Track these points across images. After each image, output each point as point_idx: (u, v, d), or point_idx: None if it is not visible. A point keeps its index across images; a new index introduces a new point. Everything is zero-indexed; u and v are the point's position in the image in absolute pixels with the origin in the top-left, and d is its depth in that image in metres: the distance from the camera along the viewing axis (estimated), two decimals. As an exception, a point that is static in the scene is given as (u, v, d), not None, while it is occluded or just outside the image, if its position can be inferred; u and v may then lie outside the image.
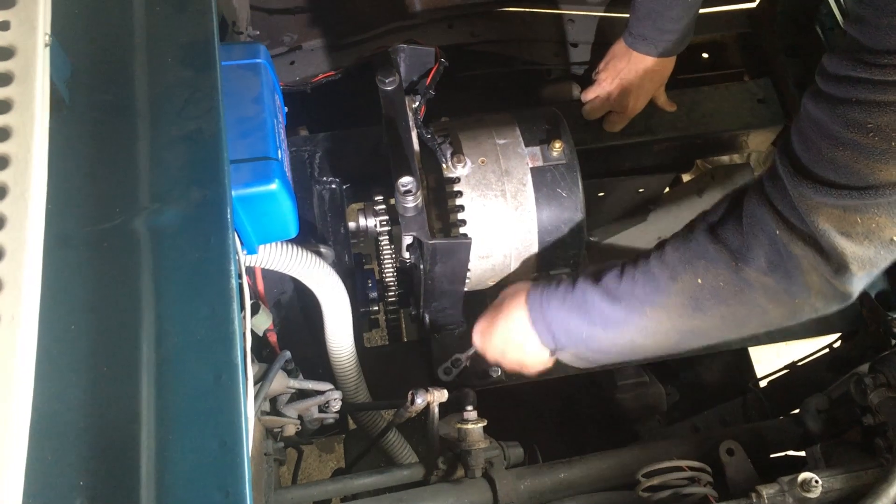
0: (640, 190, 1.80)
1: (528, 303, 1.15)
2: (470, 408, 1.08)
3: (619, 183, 1.75)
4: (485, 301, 1.48)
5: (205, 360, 0.77)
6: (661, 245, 1.07)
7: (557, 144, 1.23)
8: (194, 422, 0.75)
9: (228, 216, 0.83)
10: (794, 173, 0.86)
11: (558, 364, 1.22)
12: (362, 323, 1.55)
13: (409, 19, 1.69)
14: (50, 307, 0.75)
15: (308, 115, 1.57)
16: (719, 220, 1.01)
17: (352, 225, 1.58)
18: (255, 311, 0.96)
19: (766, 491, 0.93)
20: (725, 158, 1.91)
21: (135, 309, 0.80)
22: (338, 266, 1.51)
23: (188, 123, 0.88)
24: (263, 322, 0.99)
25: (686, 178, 1.87)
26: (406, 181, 1.07)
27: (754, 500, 0.94)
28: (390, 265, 1.43)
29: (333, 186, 1.57)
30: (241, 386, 0.76)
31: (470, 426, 1.06)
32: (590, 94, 1.60)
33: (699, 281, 1.01)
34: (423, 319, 1.39)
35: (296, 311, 1.46)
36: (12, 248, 0.71)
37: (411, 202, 1.08)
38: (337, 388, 1.32)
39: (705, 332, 1.06)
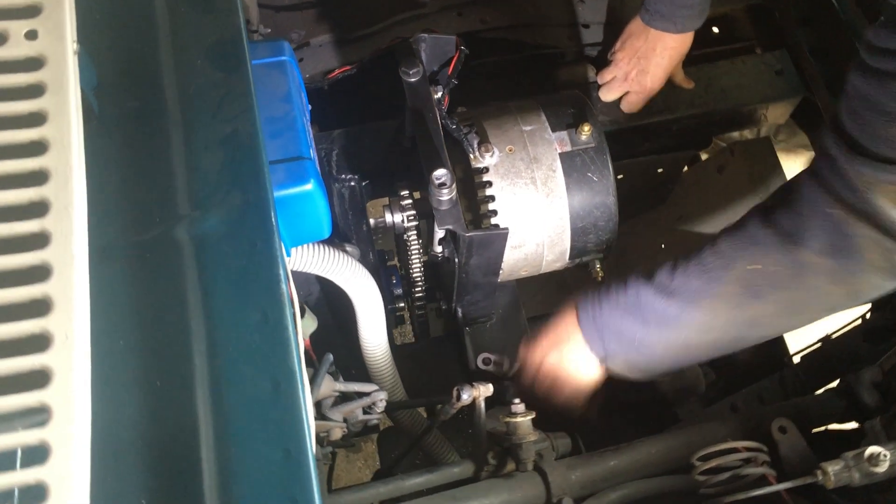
0: (659, 170, 1.78)
1: (579, 308, 1.13)
2: (517, 400, 1.06)
3: (637, 164, 1.73)
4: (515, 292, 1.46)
5: (261, 368, 0.75)
6: (714, 237, 1.05)
7: (586, 128, 1.21)
8: (256, 432, 0.73)
9: (273, 219, 0.81)
10: (849, 151, 0.84)
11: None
12: (389, 320, 1.52)
13: (417, 9, 1.66)
14: (96, 323, 0.73)
15: (321, 112, 1.54)
16: (772, 205, 0.99)
17: (374, 221, 1.56)
18: (301, 312, 0.94)
19: (832, 468, 0.92)
20: (736, 135, 1.89)
21: (184, 320, 0.78)
22: (363, 263, 1.49)
23: (223, 126, 0.85)
24: (309, 326, 0.97)
25: (704, 155, 1.85)
26: (440, 174, 1.05)
27: (820, 478, 0.92)
28: (417, 260, 1.41)
29: (353, 184, 1.54)
30: (300, 393, 0.74)
31: (519, 419, 1.04)
32: (606, 75, 1.57)
33: (755, 267, 0.99)
34: (455, 313, 1.37)
35: (324, 312, 1.44)
36: (60, 265, 0.68)
37: (446, 195, 1.06)
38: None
39: (764, 322, 1.03)
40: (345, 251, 1.32)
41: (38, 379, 0.66)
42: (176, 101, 0.87)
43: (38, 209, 0.70)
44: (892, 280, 0.92)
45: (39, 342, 0.66)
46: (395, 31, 1.63)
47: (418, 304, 1.55)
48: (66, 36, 0.77)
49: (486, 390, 1.07)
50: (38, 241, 0.69)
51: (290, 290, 0.80)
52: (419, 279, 1.47)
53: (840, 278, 0.95)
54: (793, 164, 1.86)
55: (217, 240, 0.80)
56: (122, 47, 0.90)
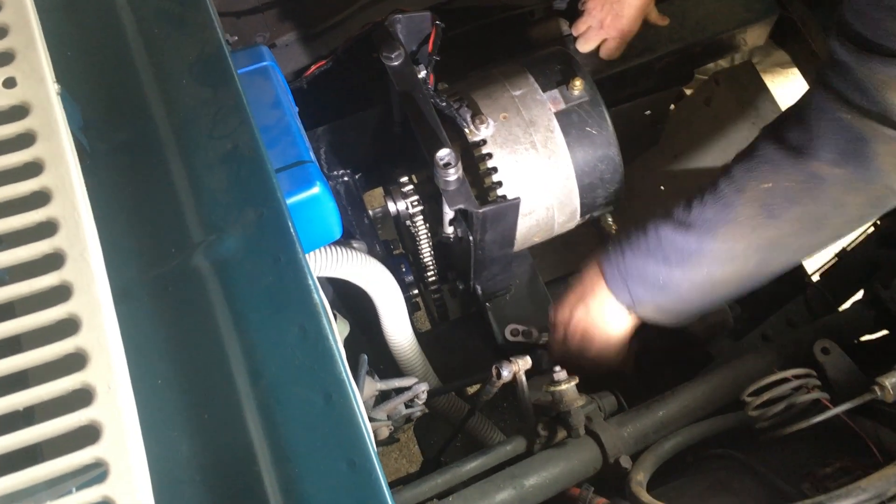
0: (647, 112, 1.76)
1: (602, 260, 1.11)
2: (557, 368, 1.04)
3: (623, 111, 1.71)
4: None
5: (309, 383, 0.73)
6: (727, 165, 1.04)
7: (578, 83, 1.19)
8: (317, 448, 0.71)
9: (292, 229, 0.79)
10: (858, 51, 0.83)
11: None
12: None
13: (380, -9, 1.62)
14: (133, 366, 0.71)
15: (302, 111, 1.51)
16: (780, 122, 0.97)
17: (374, 212, 1.53)
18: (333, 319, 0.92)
19: (888, 381, 0.91)
20: (715, 65, 1.86)
21: (219, 348, 0.75)
22: (371, 255, 1.47)
23: (222, 143, 0.82)
24: (344, 330, 0.95)
25: (689, 91, 1.83)
26: (444, 154, 1.02)
27: (879, 394, 0.91)
28: (427, 245, 1.39)
29: (346, 179, 1.51)
30: (353, 401, 0.72)
31: (564, 386, 1.02)
32: (581, 26, 1.55)
33: (767, 186, 0.97)
34: (473, 290, 1.35)
35: (342, 313, 1.42)
36: (88, 314, 0.66)
37: (453, 174, 1.03)
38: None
39: (784, 243, 1.02)
40: (353, 248, 1.31)
41: (89, 434, 0.63)
42: (168, 127, 0.84)
43: (54, 261, 0.67)
44: None
45: (83, 397, 0.64)
46: (362, 17, 1.59)
47: (433, 287, 1.53)
48: (46, 78, 0.74)
49: (524, 363, 1.06)
50: (61, 293, 0.66)
51: (322, 298, 0.78)
52: (430, 263, 1.45)
53: (856, 187, 0.93)
54: (777, 84, 1.84)
55: (238, 261, 0.78)
56: (101, 80, 0.87)
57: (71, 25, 0.89)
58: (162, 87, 0.85)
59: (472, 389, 1.46)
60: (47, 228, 0.68)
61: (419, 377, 1.28)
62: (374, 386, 0.96)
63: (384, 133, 1.49)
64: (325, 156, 1.51)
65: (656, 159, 1.83)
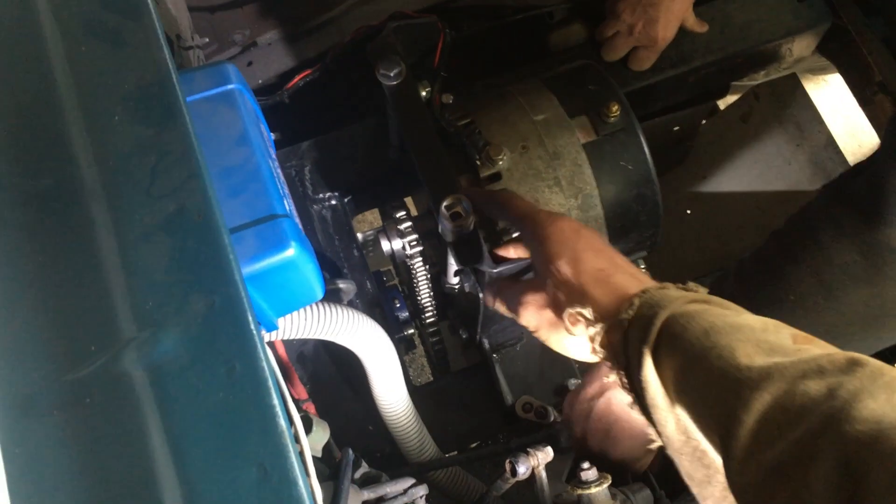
0: (675, 128, 1.57)
1: None
2: (586, 465, 0.85)
3: (650, 127, 1.51)
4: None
5: (270, 546, 0.54)
6: (777, 229, 0.85)
7: (614, 108, 0.99)
8: None
9: (252, 326, 0.59)
10: None
11: None
12: (399, 347, 1.31)
13: (376, -15, 1.41)
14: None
15: (284, 124, 1.31)
16: (845, 179, 0.79)
17: (362, 236, 1.35)
18: (308, 428, 0.73)
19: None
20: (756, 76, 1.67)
21: (150, 489, 0.56)
22: (361, 297, 1.27)
23: (163, 203, 0.62)
24: (321, 438, 0.75)
25: (723, 105, 1.64)
26: (452, 203, 0.82)
27: None
28: (426, 286, 1.19)
29: (334, 202, 1.31)
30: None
31: (594, 489, 0.84)
32: (608, 31, 1.35)
33: (826, 255, 0.79)
34: (480, 343, 1.16)
35: (325, 362, 1.22)
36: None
37: (462, 227, 0.83)
38: (398, 447, 1.10)
39: (844, 332, 0.83)
40: (337, 290, 1.11)
41: None
42: (94, 178, 0.63)
43: None
44: None
45: None
46: (355, 14, 1.39)
47: (431, 330, 1.34)
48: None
49: (545, 456, 0.87)
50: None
51: (295, 419, 0.58)
52: (429, 304, 1.26)
53: None
54: (821, 97, 1.64)
55: (180, 367, 0.58)
56: (11, 112, 0.66)
57: (-26, 37, 0.69)
58: (90, 124, 0.65)
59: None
60: None
61: (413, 447, 1.09)
62: (361, 498, 0.77)
63: (378, 150, 1.30)
64: (310, 175, 1.31)
65: (682, 180, 1.64)
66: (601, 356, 0.73)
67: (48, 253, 0.62)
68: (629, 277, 0.73)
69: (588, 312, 0.72)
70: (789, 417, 0.53)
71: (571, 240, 0.76)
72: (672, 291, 0.69)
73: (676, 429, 0.64)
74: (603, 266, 0.74)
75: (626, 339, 0.68)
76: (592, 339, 0.72)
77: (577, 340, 0.76)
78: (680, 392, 0.63)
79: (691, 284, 0.71)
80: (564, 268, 0.74)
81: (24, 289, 0.61)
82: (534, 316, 0.79)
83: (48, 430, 0.58)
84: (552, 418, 1.06)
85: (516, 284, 0.83)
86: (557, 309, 0.76)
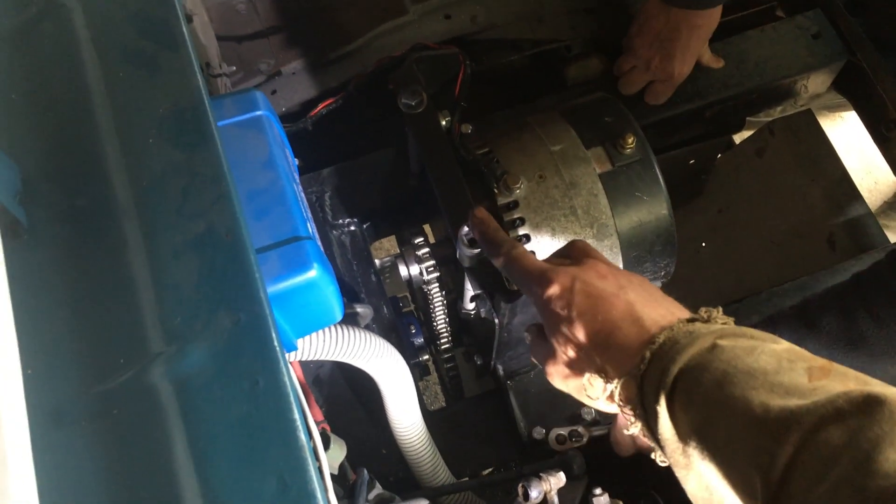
0: (691, 161, 1.58)
1: None
2: (598, 490, 0.86)
3: (665, 160, 1.53)
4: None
5: (288, 559, 0.55)
6: None
7: (630, 140, 1.01)
8: None
9: (276, 343, 0.61)
10: None
11: None
12: (413, 373, 1.33)
13: (398, 17, 1.45)
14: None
15: (306, 150, 1.34)
16: None
17: (380, 262, 1.37)
18: (326, 444, 0.74)
19: None
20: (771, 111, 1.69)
21: (174, 498, 0.58)
22: (378, 322, 1.29)
23: (193, 223, 0.65)
24: (338, 455, 0.77)
25: (738, 139, 1.65)
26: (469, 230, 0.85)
27: None
28: (442, 312, 1.21)
29: (353, 228, 1.34)
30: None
31: (606, 516, 0.85)
32: (625, 65, 1.37)
33: None
34: (495, 369, 1.17)
35: (340, 385, 1.24)
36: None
37: (480, 253, 0.85)
38: (411, 471, 1.11)
39: None
40: (355, 314, 1.13)
41: None
42: (129, 196, 0.66)
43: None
44: None
45: None
46: (377, 45, 1.42)
47: (446, 356, 1.36)
48: (-36, 138, 0.57)
49: (557, 481, 0.88)
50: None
51: (314, 435, 0.60)
52: (444, 330, 1.28)
53: None
54: (837, 133, 1.66)
55: (205, 381, 0.60)
56: (51, 132, 0.70)
57: (19, 62, 0.72)
58: (125, 146, 0.68)
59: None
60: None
61: (426, 471, 1.10)
62: (375, 519, 0.79)
63: (397, 178, 1.32)
64: (330, 201, 1.34)
65: (697, 213, 1.65)
66: (624, 410, 0.70)
67: (82, 268, 0.65)
68: (654, 310, 0.70)
69: (596, 379, 0.70)
70: (812, 472, 0.52)
71: (570, 302, 0.73)
72: (700, 327, 0.66)
73: (698, 485, 0.63)
74: (613, 316, 0.70)
75: (643, 392, 0.66)
76: (611, 398, 0.70)
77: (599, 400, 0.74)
78: (700, 447, 0.61)
79: (715, 313, 0.69)
80: (569, 335, 0.72)
81: (58, 302, 0.63)
82: (561, 384, 0.77)
83: (77, 439, 0.60)
84: (566, 444, 1.06)
85: (545, 345, 0.78)
86: (576, 373, 0.74)
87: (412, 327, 1.37)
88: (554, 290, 0.74)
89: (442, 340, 1.31)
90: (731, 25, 1.50)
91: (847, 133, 2.00)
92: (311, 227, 0.81)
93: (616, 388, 0.69)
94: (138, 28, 0.71)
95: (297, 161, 0.95)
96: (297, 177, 0.90)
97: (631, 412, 0.69)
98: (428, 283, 1.12)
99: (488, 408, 1.24)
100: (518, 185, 1.01)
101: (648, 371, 0.65)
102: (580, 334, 0.72)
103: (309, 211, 0.88)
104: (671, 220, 1.05)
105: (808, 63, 1.42)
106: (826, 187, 1.48)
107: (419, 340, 1.35)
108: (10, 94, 0.71)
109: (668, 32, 1.30)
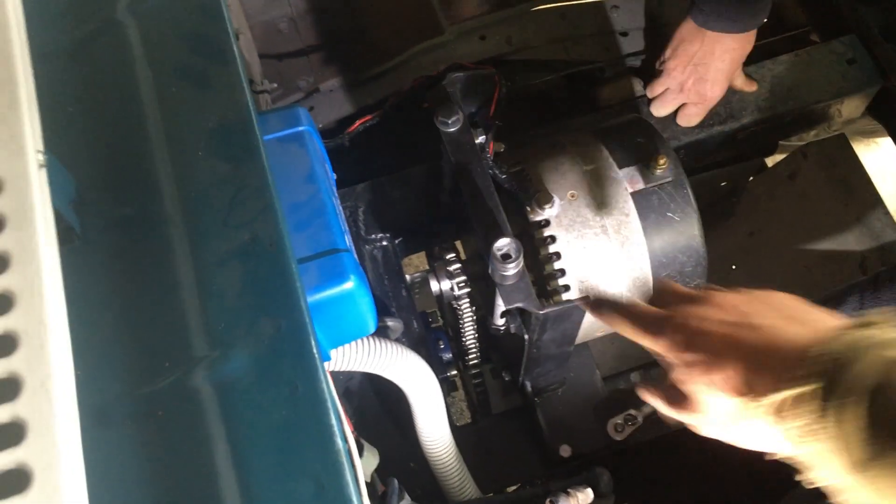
0: (723, 184, 1.59)
1: None
2: (625, 508, 0.87)
3: (698, 181, 1.53)
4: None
5: (323, 559, 0.57)
6: None
7: (662, 160, 1.02)
8: None
9: (314, 350, 0.63)
10: None
11: None
12: (441, 388, 1.34)
13: (434, 37, 1.48)
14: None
15: (341, 166, 1.37)
16: None
17: (410, 277, 1.38)
18: (360, 451, 0.76)
19: None
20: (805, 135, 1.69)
21: (214, 498, 0.59)
22: (407, 336, 1.31)
23: (238, 232, 0.67)
24: (371, 463, 0.79)
25: (770, 162, 1.65)
26: (503, 244, 0.86)
27: None
28: (471, 328, 1.22)
29: (385, 243, 1.36)
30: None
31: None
32: (658, 88, 1.38)
33: None
34: (522, 386, 1.18)
35: (370, 398, 1.26)
36: (41, 468, 0.50)
37: (512, 269, 0.87)
38: (439, 484, 1.12)
39: None
40: (385, 327, 1.15)
41: None
42: (178, 206, 0.69)
43: (5, 391, 0.52)
44: None
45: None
46: (413, 64, 1.46)
47: (473, 372, 1.37)
48: (26, 147, 0.59)
49: (585, 497, 0.89)
50: (10, 436, 0.51)
51: (349, 439, 0.62)
52: (473, 346, 1.29)
53: None
54: (860, 154, 1.65)
55: (246, 385, 0.62)
56: (104, 143, 0.73)
57: (75, 76, 0.75)
58: (174, 158, 0.71)
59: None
60: (3, 345, 0.54)
61: (454, 485, 1.11)
62: (405, 527, 0.80)
63: (430, 194, 1.34)
64: (364, 216, 1.36)
65: (729, 235, 1.65)
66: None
67: (130, 274, 0.67)
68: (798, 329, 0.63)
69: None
70: None
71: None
72: (877, 332, 0.56)
73: None
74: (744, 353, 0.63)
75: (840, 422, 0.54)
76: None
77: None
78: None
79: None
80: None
81: (107, 306, 0.66)
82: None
83: (121, 440, 0.62)
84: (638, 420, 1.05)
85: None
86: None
87: (441, 342, 1.38)
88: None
89: (470, 356, 1.32)
90: (764, 49, 1.51)
91: (881, 158, 1.99)
92: (349, 240, 0.84)
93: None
94: (190, 45, 0.74)
95: (334, 175, 0.97)
96: (335, 191, 0.92)
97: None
98: (458, 298, 1.13)
99: (515, 424, 1.25)
100: (550, 204, 1.02)
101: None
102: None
103: (346, 224, 0.90)
104: (702, 241, 1.05)
105: (843, 88, 1.43)
106: (859, 212, 1.47)
107: (448, 356, 1.36)
108: (67, 107, 0.74)
109: (703, 56, 1.31)
